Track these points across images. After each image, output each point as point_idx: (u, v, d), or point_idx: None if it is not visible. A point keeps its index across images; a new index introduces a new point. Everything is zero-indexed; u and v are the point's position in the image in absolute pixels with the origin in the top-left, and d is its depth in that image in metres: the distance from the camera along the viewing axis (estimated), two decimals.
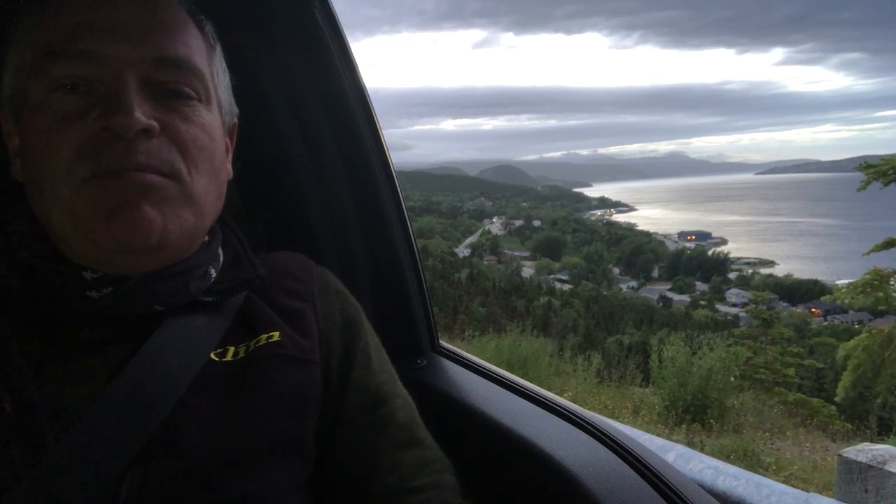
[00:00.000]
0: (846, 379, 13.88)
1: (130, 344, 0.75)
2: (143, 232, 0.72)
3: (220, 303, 0.84)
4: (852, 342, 14.32)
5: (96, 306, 0.75)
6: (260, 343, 0.83)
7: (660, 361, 10.58)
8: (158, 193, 0.73)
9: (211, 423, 0.74)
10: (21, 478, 0.63)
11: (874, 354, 13.47)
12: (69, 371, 0.72)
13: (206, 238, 0.87)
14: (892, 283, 13.94)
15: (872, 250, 15.36)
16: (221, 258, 0.89)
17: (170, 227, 0.74)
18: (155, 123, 0.72)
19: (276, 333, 0.85)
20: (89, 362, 0.73)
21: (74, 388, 0.71)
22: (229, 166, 0.89)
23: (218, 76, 0.85)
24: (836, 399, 15.16)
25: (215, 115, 0.83)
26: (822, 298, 16.83)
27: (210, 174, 0.80)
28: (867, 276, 14.08)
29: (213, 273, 0.85)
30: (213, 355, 0.80)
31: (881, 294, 14.05)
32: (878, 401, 14.49)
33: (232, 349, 0.82)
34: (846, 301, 14.51)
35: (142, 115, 0.70)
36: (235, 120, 0.92)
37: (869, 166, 15.01)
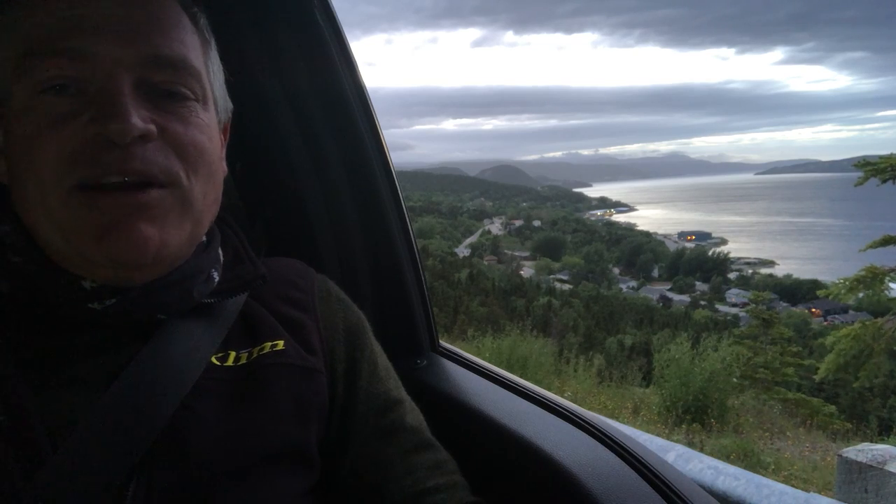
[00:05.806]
0: (830, 361, 14.12)
1: (128, 348, 0.72)
2: (140, 250, 0.68)
3: (222, 305, 0.82)
4: (843, 330, 14.49)
5: (96, 314, 0.72)
6: (264, 351, 0.82)
7: (663, 361, 10.59)
8: (157, 209, 0.69)
9: (214, 428, 0.72)
10: (18, 490, 0.61)
11: (863, 343, 13.58)
12: (65, 378, 0.69)
13: (205, 239, 0.84)
14: (886, 280, 13.98)
15: (869, 247, 15.45)
16: (222, 258, 0.86)
17: (168, 241, 0.71)
18: (153, 128, 0.68)
19: (281, 342, 0.83)
20: (86, 368, 0.70)
21: (71, 396, 0.67)
22: (224, 163, 0.87)
23: (213, 73, 0.81)
24: (816, 378, 15.59)
25: (212, 114, 0.79)
26: (818, 292, 16.80)
27: (208, 177, 0.76)
28: (861, 273, 14.15)
29: (216, 276, 0.82)
30: (213, 359, 0.77)
31: (872, 290, 14.17)
32: (856, 385, 15.09)
33: (233, 354, 0.80)
34: (840, 295, 14.58)
35: (138, 119, 0.66)
36: (230, 115, 0.89)
37: (866, 163, 15.14)
